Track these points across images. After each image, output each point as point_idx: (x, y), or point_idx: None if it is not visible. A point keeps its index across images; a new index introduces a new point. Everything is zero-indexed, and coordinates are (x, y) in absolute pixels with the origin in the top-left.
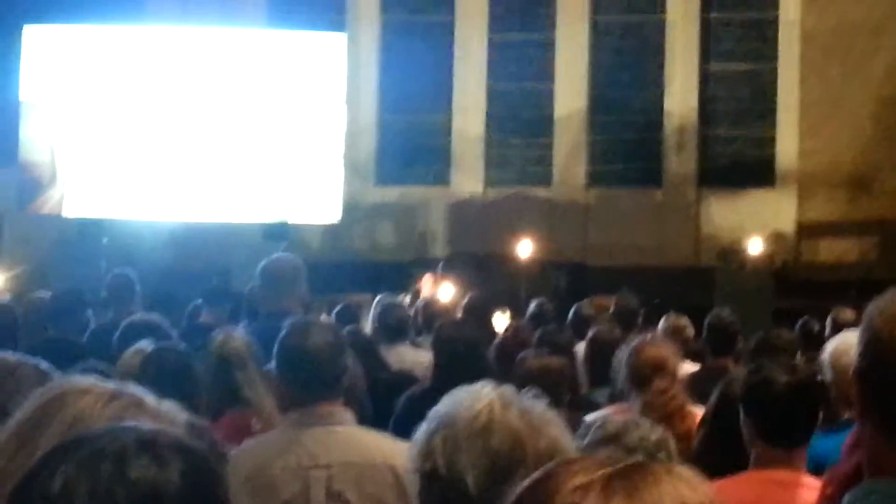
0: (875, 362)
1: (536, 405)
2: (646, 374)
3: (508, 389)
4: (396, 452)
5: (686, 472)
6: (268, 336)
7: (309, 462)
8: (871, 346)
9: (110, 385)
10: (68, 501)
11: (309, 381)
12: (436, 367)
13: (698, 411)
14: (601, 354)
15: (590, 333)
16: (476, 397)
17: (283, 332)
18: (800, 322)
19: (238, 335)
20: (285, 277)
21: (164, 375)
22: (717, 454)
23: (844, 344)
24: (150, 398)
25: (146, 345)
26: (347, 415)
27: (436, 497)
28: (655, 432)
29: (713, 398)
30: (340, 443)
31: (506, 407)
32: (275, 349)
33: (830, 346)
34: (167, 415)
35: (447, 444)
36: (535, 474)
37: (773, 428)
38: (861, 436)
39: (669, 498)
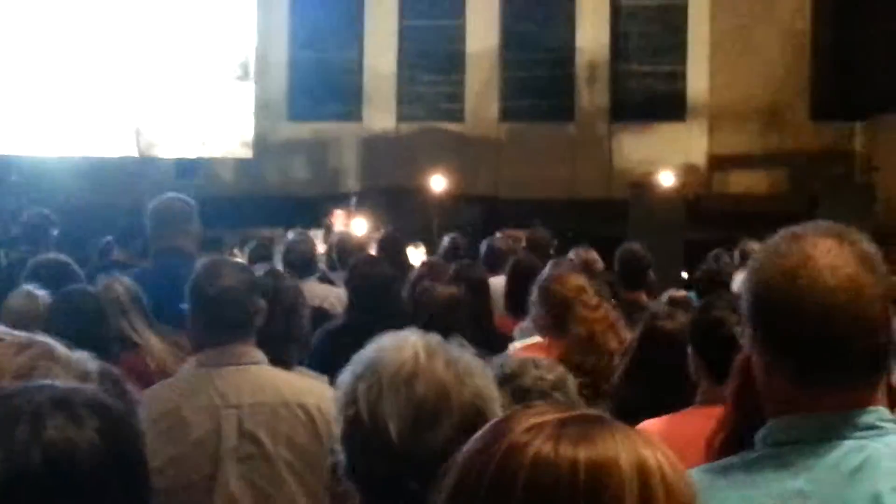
0: (757, 307)
1: (463, 354)
2: (570, 298)
3: (434, 338)
4: (308, 391)
5: (645, 434)
6: (160, 274)
7: (220, 401)
8: (753, 292)
9: (21, 334)
10: None
11: (219, 321)
12: (351, 304)
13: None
14: (523, 284)
15: (509, 263)
16: (401, 345)
17: (194, 273)
18: (711, 254)
19: (119, 282)
20: (176, 217)
21: (74, 317)
22: (638, 388)
23: None
24: (60, 347)
25: (32, 288)
26: (259, 355)
27: (358, 443)
28: (553, 372)
29: (637, 333)
30: (251, 382)
31: (431, 356)
32: (187, 289)
33: (738, 278)
34: (78, 364)
35: (371, 392)
36: (496, 418)
37: (722, 366)
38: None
39: (626, 453)
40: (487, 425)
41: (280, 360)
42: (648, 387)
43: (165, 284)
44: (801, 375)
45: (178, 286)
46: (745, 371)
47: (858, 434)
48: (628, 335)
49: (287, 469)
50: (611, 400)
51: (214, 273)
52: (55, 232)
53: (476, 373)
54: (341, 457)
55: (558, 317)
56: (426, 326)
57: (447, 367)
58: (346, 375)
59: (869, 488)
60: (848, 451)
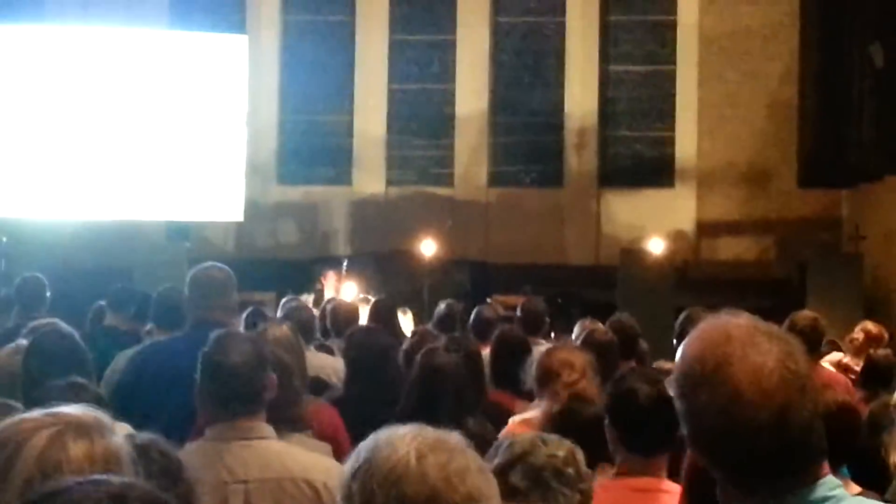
0: (697, 429)
1: (457, 453)
2: (554, 371)
3: (431, 435)
4: (314, 467)
5: None
6: (195, 346)
7: (228, 477)
8: (689, 415)
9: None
10: None
11: (228, 396)
12: (349, 374)
13: None
14: (506, 355)
15: (495, 335)
16: (395, 446)
17: (205, 347)
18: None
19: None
20: (216, 287)
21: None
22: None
23: None
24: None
25: (23, 343)
26: (268, 430)
27: None
28: (562, 447)
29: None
30: (258, 457)
31: (422, 458)
32: (198, 363)
33: None
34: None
35: (364, 491)
36: None
37: (635, 437)
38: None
39: None
40: None
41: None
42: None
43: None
44: (743, 488)
45: None
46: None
47: None
48: None
49: None
50: None
51: (225, 346)
52: (48, 295)
53: (472, 469)
54: None
55: (542, 388)
56: (429, 392)
57: (440, 469)
58: (345, 469)
59: None
60: None
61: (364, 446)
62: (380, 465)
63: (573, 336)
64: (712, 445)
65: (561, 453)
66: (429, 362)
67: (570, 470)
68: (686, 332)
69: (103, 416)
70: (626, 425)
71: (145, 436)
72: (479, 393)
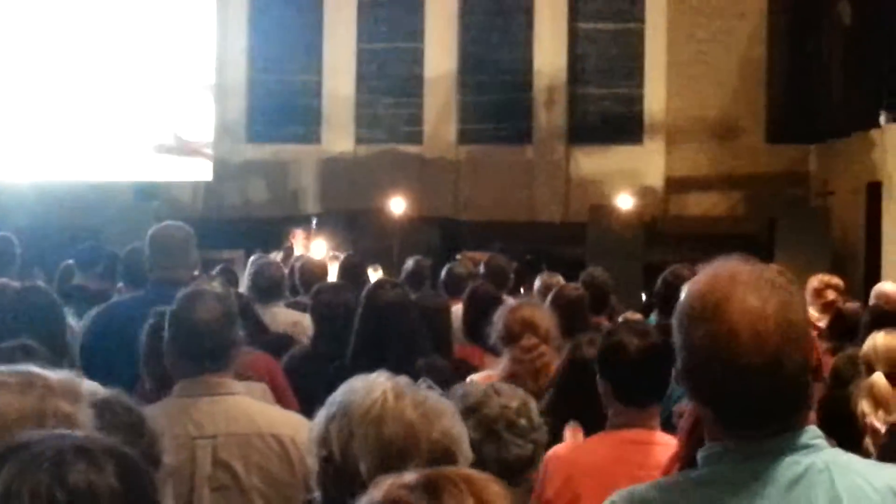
0: (690, 366)
1: (430, 395)
2: (515, 332)
3: (403, 379)
4: (283, 422)
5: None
6: (157, 306)
7: (195, 432)
8: (684, 351)
9: (12, 370)
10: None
11: (197, 352)
12: (316, 331)
13: None
14: (477, 311)
15: (466, 291)
16: (371, 388)
17: (174, 302)
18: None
19: None
20: (176, 246)
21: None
22: (564, 414)
23: None
24: (52, 376)
25: None
26: (236, 385)
27: (331, 481)
28: (516, 398)
29: (562, 360)
30: (226, 413)
31: (399, 397)
32: (166, 319)
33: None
34: (73, 387)
35: (342, 433)
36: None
37: (626, 389)
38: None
39: None
40: None
41: None
42: (574, 414)
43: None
44: (729, 427)
45: None
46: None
47: (794, 452)
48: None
49: (260, 498)
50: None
51: (194, 303)
52: (18, 254)
53: (444, 413)
54: (317, 494)
55: (505, 346)
56: (376, 331)
57: (415, 407)
58: (318, 417)
59: (804, 500)
60: (785, 466)
61: (339, 391)
62: (358, 405)
63: (534, 289)
64: (703, 382)
65: (514, 404)
66: (373, 298)
67: (523, 421)
68: (670, 287)
69: (47, 374)
70: (618, 378)
71: (107, 392)
72: (443, 348)
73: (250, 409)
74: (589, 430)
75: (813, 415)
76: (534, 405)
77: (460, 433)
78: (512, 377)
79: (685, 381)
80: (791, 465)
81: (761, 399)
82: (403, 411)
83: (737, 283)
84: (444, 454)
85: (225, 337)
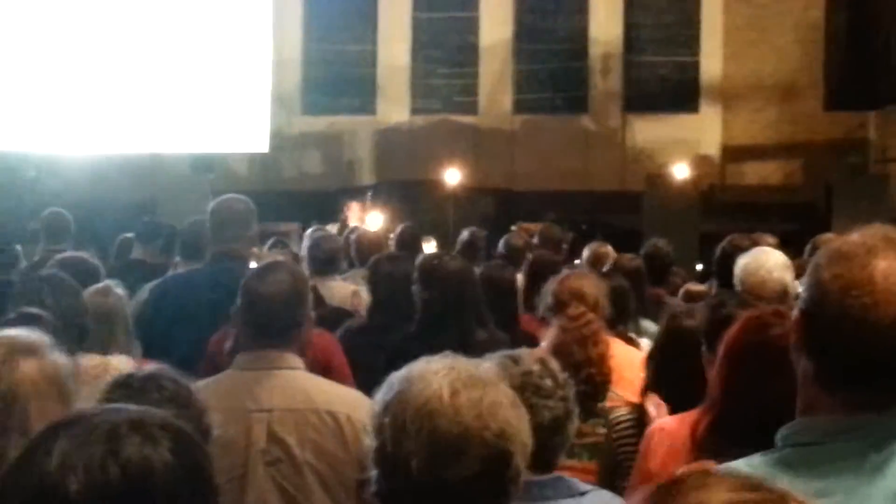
0: (815, 309)
1: (488, 390)
2: (563, 301)
3: (464, 369)
4: (340, 399)
5: None
6: (215, 278)
7: (252, 405)
8: (814, 291)
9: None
10: (65, 477)
11: (260, 325)
12: (372, 302)
13: (612, 338)
14: (540, 282)
15: (528, 259)
16: (428, 380)
17: (250, 273)
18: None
19: (113, 292)
20: (236, 219)
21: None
22: (665, 389)
23: (754, 262)
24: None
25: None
26: (297, 361)
27: (383, 470)
28: (534, 361)
29: (659, 334)
30: (283, 387)
31: (455, 393)
32: (240, 288)
33: (742, 262)
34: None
35: (395, 426)
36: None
37: None
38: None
39: None
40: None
41: None
42: (675, 387)
43: (221, 288)
44: (841, 385)
45: (233, 291)
46: (742, 360)
47: (880, 434)
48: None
49: (313, 474)
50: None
51: (266, 275)
52: (72, 228)
53: (504, 404)
54: (374, 473)
55: (554, 316)
56: (441, 301)
57: (472, 405)
58: (376, 402)
59: (890, 485)
60: (869, 450)
61: (397, 378)
62: (412, 399)
63: (582, 258)
64: (830, 336)
65: (535, 367)
66: (436, 269)
67: (548, 381)
68: (728, 257)
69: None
70: None
71: (154, 366)
72: (510, 320)
73: (308, 384)
74: (688, 401)
75: None
76: (553, 362)
77: (517, 427)
78: (559, 346)
79: (808, 331)
80: (878, 449)
81: (884, 362)
82: (459, 411)
83: (889, 240)
84: (500, 454)
85: (290, 313)
